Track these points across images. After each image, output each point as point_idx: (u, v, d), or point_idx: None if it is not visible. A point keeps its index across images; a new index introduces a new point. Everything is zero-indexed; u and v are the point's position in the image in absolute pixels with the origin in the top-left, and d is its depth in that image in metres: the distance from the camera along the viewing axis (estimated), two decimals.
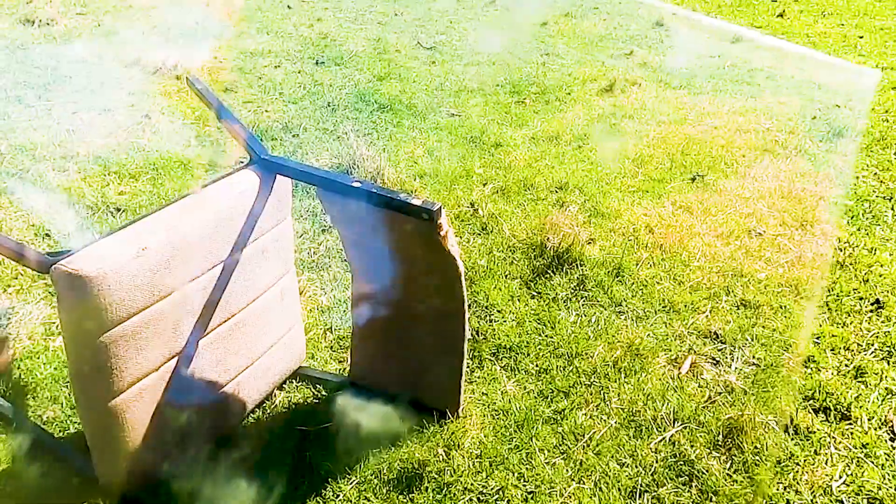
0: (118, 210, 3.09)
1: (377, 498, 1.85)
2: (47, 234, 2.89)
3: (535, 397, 2.21)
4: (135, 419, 1.68)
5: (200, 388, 1.86)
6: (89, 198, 3.17)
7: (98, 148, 3.66)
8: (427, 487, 1.88)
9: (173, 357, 1.73)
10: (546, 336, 2.47)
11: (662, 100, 4.91)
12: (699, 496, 1.90)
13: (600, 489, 1.90)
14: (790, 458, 1.99)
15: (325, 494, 1.86)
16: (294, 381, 2.23)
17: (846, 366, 2.37)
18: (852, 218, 3.32)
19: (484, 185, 3.54)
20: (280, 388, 2.19)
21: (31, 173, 3.36)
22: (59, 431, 2.00)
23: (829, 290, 2.76)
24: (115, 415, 1.64)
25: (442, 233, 1.71)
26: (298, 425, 2.07)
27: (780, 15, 7.69)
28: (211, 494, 1.82)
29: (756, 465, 1.97)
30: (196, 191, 1.81)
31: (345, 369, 2.28)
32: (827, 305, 2.68)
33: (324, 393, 2.20)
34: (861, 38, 6.76)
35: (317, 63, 5.34)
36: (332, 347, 2.41)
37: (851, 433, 2.09)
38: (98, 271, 1.49)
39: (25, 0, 6.35)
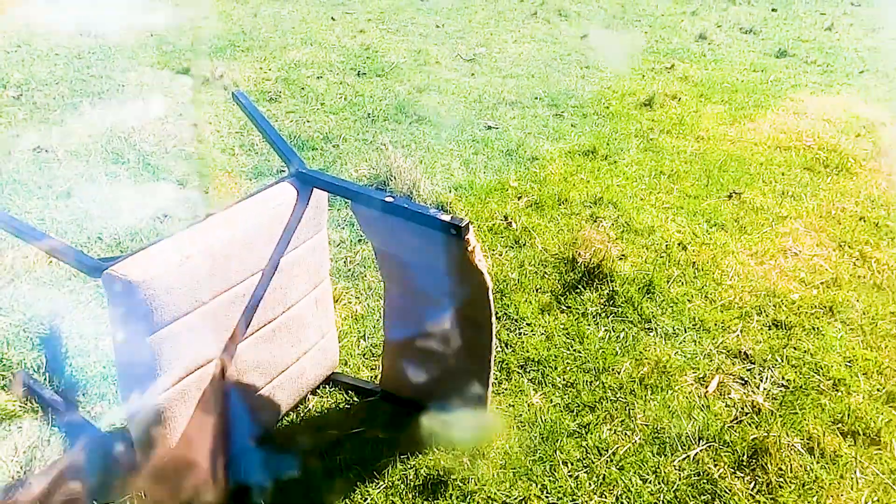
0: (165, 216, 3.23)
1: (403, 502, 1.91)
2: (99, 238, 3.04)
3: (561, 411, 2.24)
4: (177, 418, 1.78)
5: (238, 391, 1.95)
6: (139, 203, 3.31)
7: (148, 155, 3.82)
8: (451, 494, 1.93)
9: (214, 360, 1.83)
10: (574, 350, 2.50)
11: (702, 115, 4.89)
12: None
13: (622, 503, 1.93)
14: (815, 481, 1.99)
15: (353, 497, 1.92)
16: (327, 386, 2.30)
17: (878, 390, 2.34)
18: (892, 239, 3.27)
19: (518, 198, 3.59)
20: (314, 392, 2.27)
21: (84, 179, 3.53)
22: (107, 427, 2.11)
23: (864, 313, 2.73)
24: (157, 413, 1.74)
25: (470, 248, 1.76)
26: (330, 429, 2.14)
27: (829, 28, 7.57)
28: (246, 494, 1.91)
29: (780, 486, 1.97)
30: (237, 202, 1.91)
31: (376, 376, 2.35)
32: (861, 328, 2.65)
33: (356, 399, 2.27)
34: None
35: (358, 74, 5.46)
36: (364, 355, 2.48)
37: (880, 458, 2.08)
38: (145, 277, 1.58)
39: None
